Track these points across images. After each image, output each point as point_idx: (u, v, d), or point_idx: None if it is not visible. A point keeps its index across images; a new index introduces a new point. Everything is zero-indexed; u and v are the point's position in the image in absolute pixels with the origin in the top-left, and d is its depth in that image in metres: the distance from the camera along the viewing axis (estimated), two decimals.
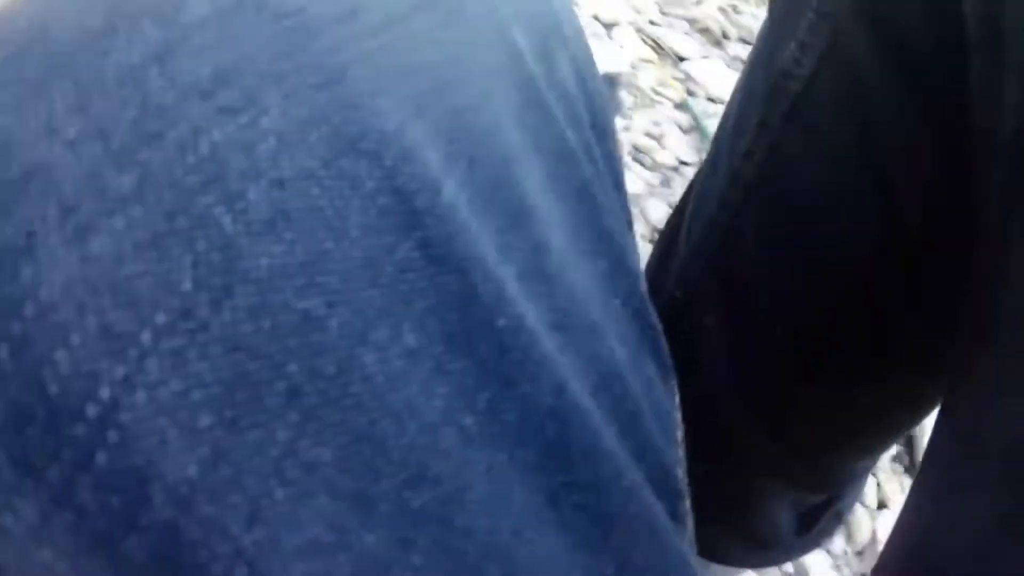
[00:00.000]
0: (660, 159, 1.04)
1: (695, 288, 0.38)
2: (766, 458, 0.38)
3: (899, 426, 0.37)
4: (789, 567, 0.76)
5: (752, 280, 0.35)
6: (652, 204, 0.95)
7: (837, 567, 0.79)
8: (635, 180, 0.99)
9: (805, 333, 0.34)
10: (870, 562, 0.79)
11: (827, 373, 0.34)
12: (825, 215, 0.32)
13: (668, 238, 0.43)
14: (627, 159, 1.02)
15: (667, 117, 1.08)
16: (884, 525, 0.81)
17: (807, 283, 0.33)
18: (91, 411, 0.13)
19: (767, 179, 0.34)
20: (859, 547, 0.81)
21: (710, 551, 0.43)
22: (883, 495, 0.85)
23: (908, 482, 0.86)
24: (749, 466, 0.39)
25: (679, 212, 0.43)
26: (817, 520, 0.44)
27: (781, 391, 0.36)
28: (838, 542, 0.80)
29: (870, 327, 0.33)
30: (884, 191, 0.30)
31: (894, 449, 0.91)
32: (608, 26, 1.15)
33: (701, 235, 0.37)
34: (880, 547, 0.79)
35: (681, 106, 1.11)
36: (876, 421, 0.37)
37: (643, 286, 0.25)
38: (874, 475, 0.87)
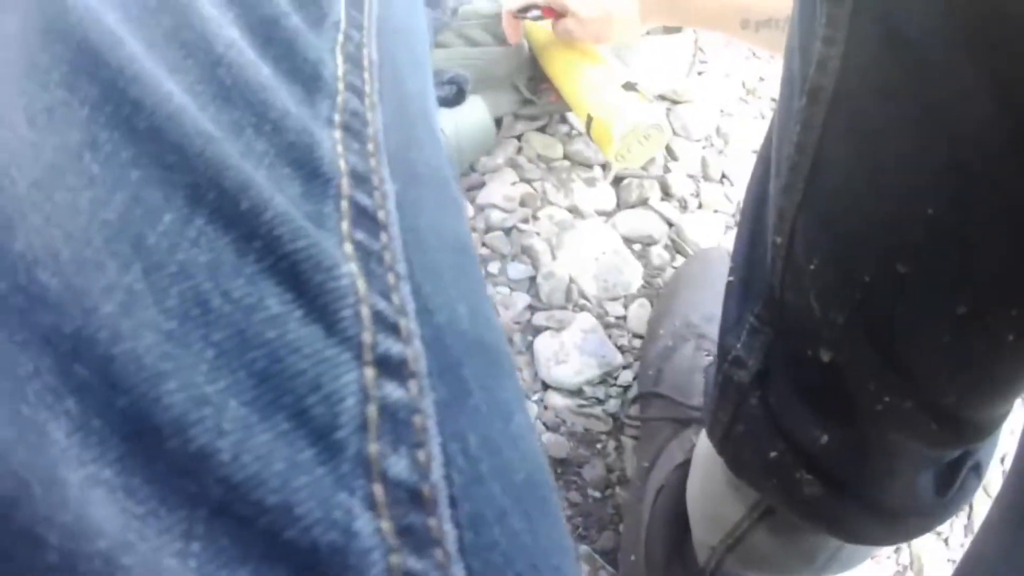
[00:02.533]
0: None
1: (794, 226, 0.35)
2: (899, 416, 0.36)
3: None
4: (905, 557, 0.74)
5: (859, 203, 0.32)
6: None
7: (952, 561, 0.76)
8: None
9: (930, 257, 0.31)
10: None
11: (960, 301, 0.31)
12: (929, 110, 0.28)
13: (759, 181, 0.40)
14: (767, 111, 0.98)
15: None
16: None
17: (927, 193, 0.30)
18: None
19: (849, 79, 0.30)
20: None
21: (852, 534, 0.42)
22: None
23: None
24: (882, 428, 0.37)
25: (766, 151, 0.39)
26: (956, 477, 0.41)
27: (903, 327, 0.33)
28: (956, 534, 0.77)
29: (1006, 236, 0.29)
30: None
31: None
32: None
33: (790, 164, 0.34)
34: None
35: None
36: (1013, 359, 0.33)
37: None
38: (1001, 464, 0.83)
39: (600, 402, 0.73)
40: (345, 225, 0.20)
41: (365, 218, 0.21)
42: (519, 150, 0.84)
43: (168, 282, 0.18)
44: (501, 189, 0.81)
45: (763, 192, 0.39)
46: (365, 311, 0.19)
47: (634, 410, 0.70)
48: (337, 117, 0.22)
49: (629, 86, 0.77)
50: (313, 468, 0.17)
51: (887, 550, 0.73)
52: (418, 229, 0.22)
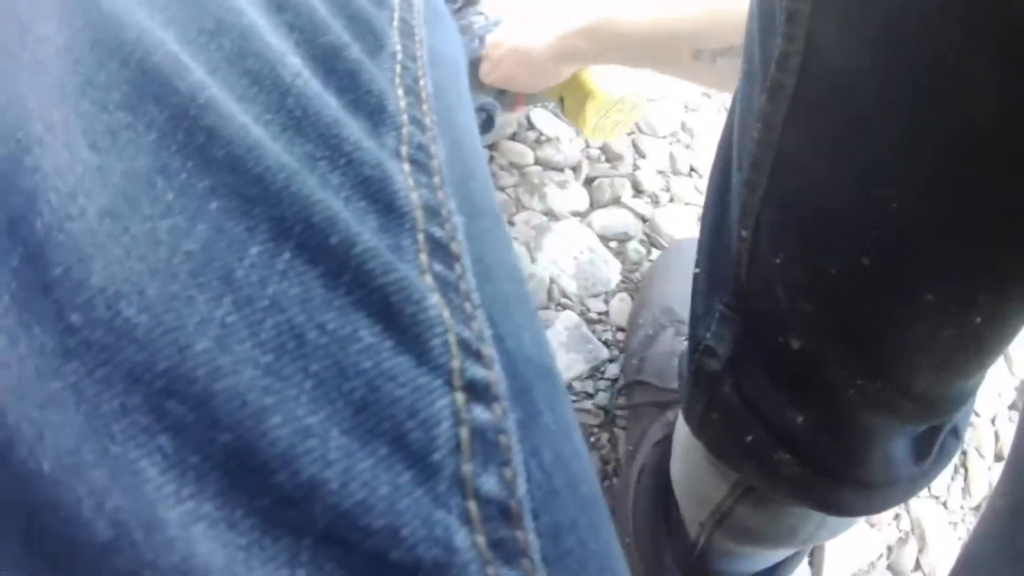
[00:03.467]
0: None
1: (759, 221, 0.35)
2: (872, 396, 0.36)
3: (1008, 336, 0.34)
4: (906, 524, 0.74)
5: (823, 199, 0.32)
6: None
7: (953, 524, 0.77)
8: None
9: (894, 249, 0.31)
10: None
11: (926, 290, 0.31)
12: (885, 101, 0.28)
13: (721, 173, 0.41)
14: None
15: None
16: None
17: (890, 188, 0.30)
18: None
19: (809, 77, 0.30)
20: (976, 502, 0.79)
21: (834, 507, 0.42)
22: (1000, 447, 0.82)
23: None
24: (856, 407, 0.37)
25: (727, 142, 0.40)
26: (933, 444, 0.42)
27: (872, 318, 0.34)
28: (955, 497, 0.78)
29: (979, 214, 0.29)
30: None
31: (1011, 397, 0.88)
32: None
33: (751, 160, 0.34)
34: None
35: None
36: (980, 340, 0.34)
37: None
38: (992, 424, 0.84)
39: (590, 396, 0.74)
40: (424, 257, 0.21)
41: (440, 250, 0.21)
42: (491, 159, 0.86)
43: (261, 316, 0.18)
44: None
45: (725, 183, 0.40)
46: (452, 339, 0.20)
47: (621, 400, 0.72)
48: (404, 150, 0.22)
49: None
50: (413, 490, 0.18)
51: (888, 516, 0.74)
52: (484, 260, 0.23)
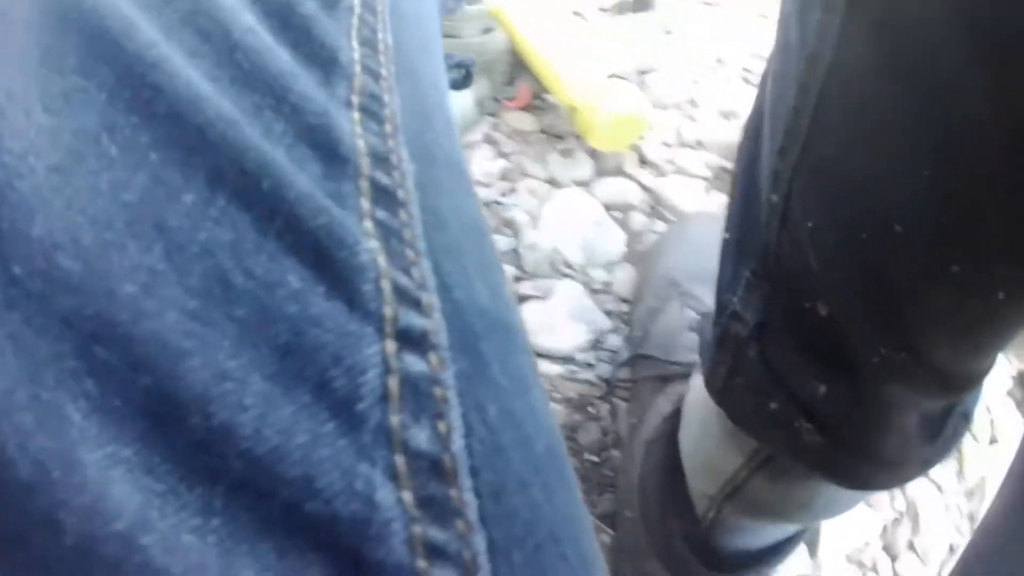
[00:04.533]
0: None
1: (790, 188, 0.35)
2: (894, 367, 0.36)
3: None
4: (901, 505, 0.74)
5: (857, 164, 0.32)
6: None
7: (947, 507, 0.77)
8: (744, 96, 0.96)
9: (926, 218, 0.31)
10: (978, 501, 0.77)
11: (954, 260, 0.32)
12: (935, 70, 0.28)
13: (752, 141, 0.40)
14: (737, 78, 1.00)
15: None
16: (996, 461, 0.79)
17: (923, 157, 0.30)
18: None
19: (847, 48, 0.30)
20: (970, 486, 0.79)
21: (851, 480, 0.43)
22: (996, 431, 0.82)
23: (1020, 417, 0.83)
24: (878, 379, 0.37)
25: (758, 112, 0.40)
26: (945, 423, 0.42)
27: (899, 285, 0.34)
28: (949, 480, 0.78)
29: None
30: None
31: (1007, 384, 0.88)
32: None
33: (786, 127, 0.34)
34: (991, 485, 0.77)
35: None
36: (1002, 316, 0.34)
37: None
38: (988, 410, 0.84)
39: (591, 367, 0.73)
40: (365, 204, 0.20)
41: (385, 197, 0.21)
42: (495, 126, 0.85)
43: (190, 261, 0.18)
44: (479, 165, 0.81)
45: (756, 150, 0.39)
46: (386, 285, 0.19)
47: (624, 373, 0.71)
48: (355, 99, 0.22)
49: (611, 77, 0.79)
50: (335, 440, 0.17)
51: (883, 497, 0.74)
52: (437, 209, 0.23)
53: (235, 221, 0.18)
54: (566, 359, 0.73)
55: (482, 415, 0.20)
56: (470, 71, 0.74)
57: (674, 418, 0.59)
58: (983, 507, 0.76)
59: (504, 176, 0.81)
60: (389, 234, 0.20)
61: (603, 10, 0.99)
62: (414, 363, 0.19)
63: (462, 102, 0.80)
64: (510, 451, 0.20)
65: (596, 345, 0.74)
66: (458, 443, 0.18)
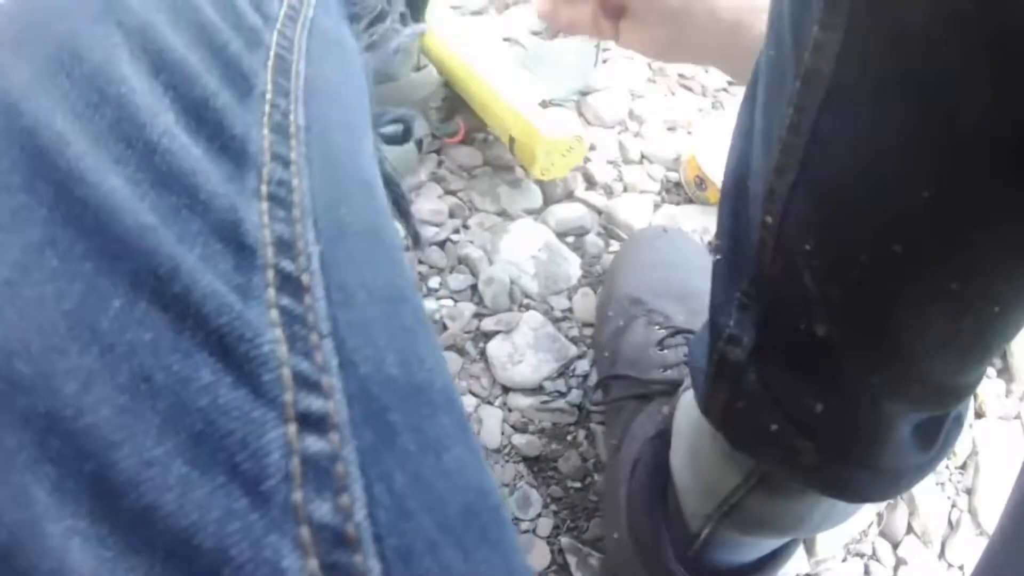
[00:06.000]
0: (707, 83, 1.01)
1: (787, 208, 0.34)
2: (890, 385, 0.36)
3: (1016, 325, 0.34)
4: None
5: (857, 186, 0.32)
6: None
7: (941, 484, 0.76)
8: (685, 105, 0.96)
9: (925, 237, 0.31)
10: (972, 474, 0.76)
11: (953, 278, 0.32)
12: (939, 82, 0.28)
13: (740, 159, 0.40)
14: (676, 87, 1.00)
15: None
16: (983, 434, 0.78)
17: (925, 176, 0.30)
18: None
19: (847, 64, 0.30)
20: (960, 461, 0.78)
21: (851, 494, 0.42)
22: (980, 404, 0.81)
23: (1003, 387, 0.82)
24: (874, 396, 0.37)
25: (744, 129, 0.39)
26: (940, 431, 0.42)
27: (898, 304, 0.33)
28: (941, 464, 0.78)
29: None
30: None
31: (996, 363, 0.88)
32: None
33: (782, 146, 0.33)
34: (980, 457, 0.76)
35: None
36: (995, 329, 0.34)
37: None
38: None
39: (562, 395, 0.73)
40: (271, 293, 0.22)
41: (289, 284, 0.23)
42: (440, 163, 0.85)
43: (119, 361, 0.20)
44: (428, 204, 0.81)
45: (744, 169, 0.39)
46: (286, 373, 0.21)
47: (597, 396, 0.70)
48: (264, 188, 0.24)
49: (545, 104, 0.79)
50: (246, 515, 0.19)
51: None
52: (346, 286, 0.24)
53: (154, 322, 0.20)
54: (536, 390, 0.72)
55: (388, 484, 0.21)
56: (409, 126, 0.74)
57: (659, 438, 0.58)
58: (979, 480, 0.76)
59: (454, 213, 0.81)
60: (293, 320, 0.22)
61: (535, 33, 0.99)
62: (314, 443, 0.20)
63: (401, 147, 0.80)
64: (418, 515, 0.22)
65: (565, 372, 0.74)
66: (360, 513, 0.20)
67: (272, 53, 0.29)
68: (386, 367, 0.24)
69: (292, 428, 0.20)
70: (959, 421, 0.43)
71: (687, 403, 0.54)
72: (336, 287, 0.24)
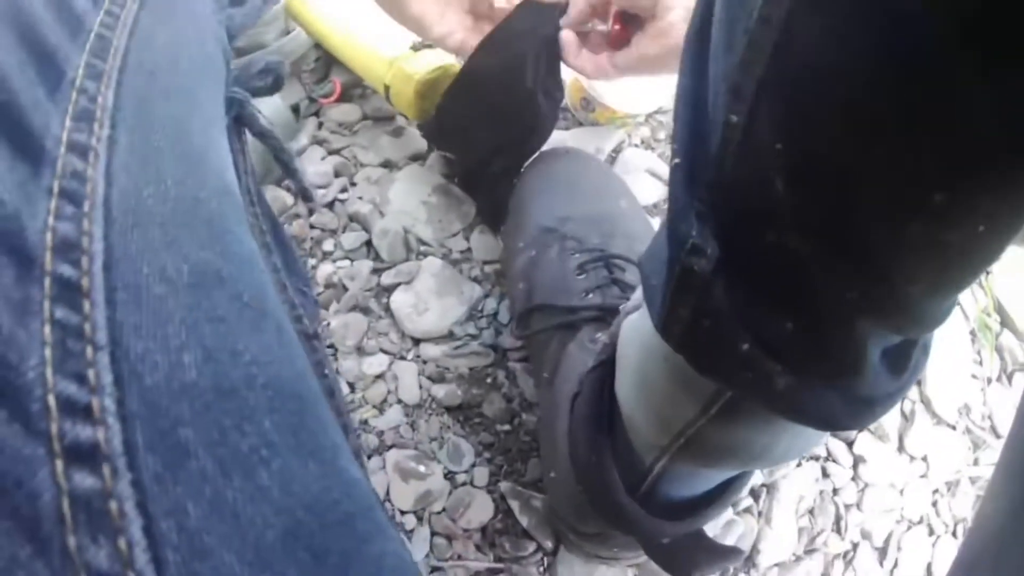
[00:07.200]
0: None
1: (755, 105, 0.32)
2: (865, 303, 0.34)
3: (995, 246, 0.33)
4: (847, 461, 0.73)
5: (834, 84, 0.30)
6: None
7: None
8: None
9: (908, 139, 0.29)
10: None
11: (937, 187, 0.30)
12: None
13: (696, 54, 0.37)
14: None
15: None
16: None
17: (905, 73, 0.28)
18: None
19: None
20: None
21: (824, 421, 0.40)
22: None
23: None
24: (848, 314, 0.35)
25: (701, 22, 0.36)
26: (909, 357, 0.40)
27: (878, 212, 0.31)
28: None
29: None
30: None
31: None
32: None
33: (749, 39, 0.31)
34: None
35: None
36: (979, 250, 0.33)
37: None
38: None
39: (474, 337, 0.70)
40: (47, 306, 0.20)
41: (68, 291, 0.21)
42: (320, 125, 0.81)
43: None
44: (312, 167, 0.78)
45: (702, 64, 0.36)
46: (52, 400, 0.19)
47: (517, 331, 0.67)
48: (56, 184, 0.23)
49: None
50: (31, 563, 0.17)
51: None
52: (138, 284, 0.22)
53: None
54: (447, 336, 0.70)
55: (179, 518, 0.19)
56: (279, 73, 0.71)
57: (600, 368, 0.55)
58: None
59: (339, 172, 0.78)
60: (67, 334, 0.20)
61: None
62: (83, 480, 0.18)
63: (279, 114, 0.77)
64: (219, 551, 0.19)
65: (473, 314, 0.71)
66: (142, 559, 0.18)
67: (94, 33, 0.27)
68: (182, 371, 0.21)
69: (60, 464, 0.18)
70: (926, 350, 0.41)
71: (632, 328, 0.51)
72: (124, 286, 0.22)
